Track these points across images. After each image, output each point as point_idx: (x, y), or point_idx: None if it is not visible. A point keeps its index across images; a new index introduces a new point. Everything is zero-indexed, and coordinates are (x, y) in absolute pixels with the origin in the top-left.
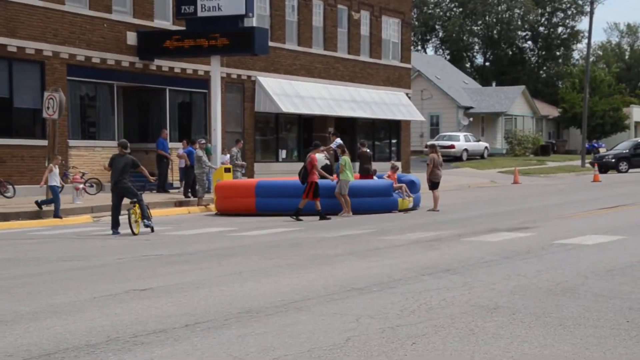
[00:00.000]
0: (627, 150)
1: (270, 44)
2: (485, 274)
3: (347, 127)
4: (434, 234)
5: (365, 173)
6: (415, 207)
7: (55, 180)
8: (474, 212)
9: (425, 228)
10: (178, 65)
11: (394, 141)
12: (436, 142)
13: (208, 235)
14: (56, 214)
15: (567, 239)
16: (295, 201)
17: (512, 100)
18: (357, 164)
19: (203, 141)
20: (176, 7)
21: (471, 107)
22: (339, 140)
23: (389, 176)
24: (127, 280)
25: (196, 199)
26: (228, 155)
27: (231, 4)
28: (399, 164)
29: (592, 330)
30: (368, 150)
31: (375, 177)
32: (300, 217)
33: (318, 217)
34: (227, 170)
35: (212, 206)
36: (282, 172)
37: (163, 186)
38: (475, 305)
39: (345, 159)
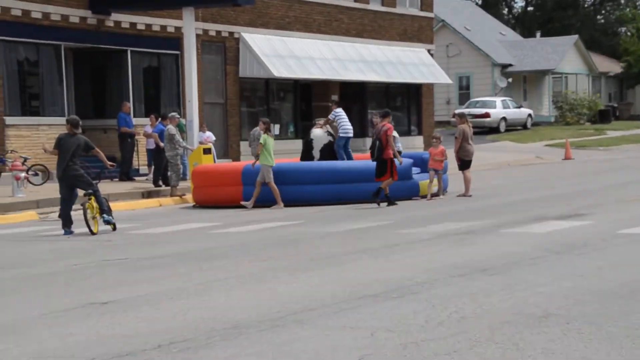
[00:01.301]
0: None
1: None
2: (531, 273)
3: (355, 94)
4: (465, 224)
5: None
6: (441, 192)
7: None
8: (516, 196)
9: (455, 218)
10: (142, 21)
11: (413, 110)
12: (466, 110)
13: (185, 233)
14: None
15: (634, 227)
16: (294, 189)
17: (562, 55)
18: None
19: (176, 116)
20: None
21: (510, 65)
22: (338, 111)
23: (432, 153)
24: (84, 292)
25: (169, 188)
26: (208, 133)
27: None
28: (439, 133)
29: None
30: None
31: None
32: (394, 201)
33: (386, 203)
34: (206, 151)
35: (189, 197)
36: (275, 152)
37: (127, 173)
38: (519, 314)
39: (266, 137)
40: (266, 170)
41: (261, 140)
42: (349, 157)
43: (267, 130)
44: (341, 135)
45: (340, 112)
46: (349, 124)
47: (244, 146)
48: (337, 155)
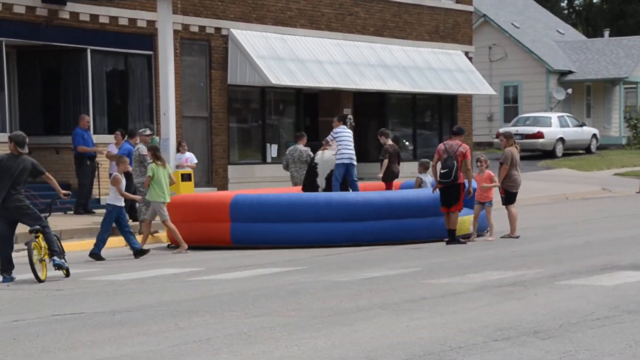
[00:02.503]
0: None
1: None
2: (596, 338)
3: (373, 107)
4: (512, 274)
5: (390, 178)
6: (492, 232)
7: None
8: (575, 238)
9: (499, 265)
10: (105, 12)
11: (446, 128)
12: (513, 129)
13: (157, 281)
14: None
15: None
16: (292, 227)
17: (638, 60)
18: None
19: (148, 132)
20: None
21: (570, 72)
22: (338, 131)
23: (477, 181)
24: (28, 356)
25: (137, 223)
26: (188, 154)
27: None
28: (484, 155)
29: None
30: (392, 144)
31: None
32: (463, 239)
33: (445, 240)
34: (185, 177)
35: (163, 234)
36: (271, 179)
37: (85, 204)
38: None
39: (154, 167)
40: (158, 208)
41: (149, 172)
42: (354, 189)
43: (156, 158)
44: (337, 162)
45: (341, 131)
46: (350, 147)
47: (233, 171)
48: (332, 187)
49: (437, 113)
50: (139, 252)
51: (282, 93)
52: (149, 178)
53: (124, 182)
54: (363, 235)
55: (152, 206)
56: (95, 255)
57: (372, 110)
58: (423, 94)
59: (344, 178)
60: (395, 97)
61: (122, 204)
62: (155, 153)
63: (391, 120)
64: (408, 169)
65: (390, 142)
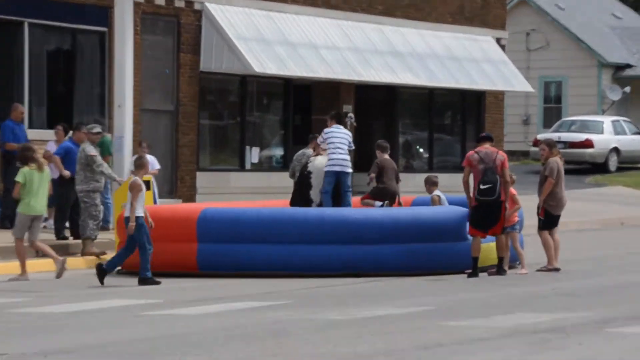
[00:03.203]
0: None
1: None
2: None
3: (380, 103)
4: (550, 317)
5: (381, 198)
6: (524, 262)
7: None
8: (632, 275)
9: (534, 305)
10: None
11: (470, 132)
12: (556, 136)
13: (103, 315)
14: None
15: None
16: (277, 250)
17: None
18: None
19: (97, 129)
20: None
21: (628, 66)
22: (329, 131)
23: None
24: None
25: (80, 241)
26: (149, 158)
27: None
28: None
29: None
30: (388, 159)
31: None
32: (504, 270)
33: (467, 272)
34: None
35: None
36: (251, 191)
37: (12, 215)
38: None
39: (26, 172)
40: (22, 221)
41: (18, 178)
42: (345, 202)
43: (29, 160)
44: (326, 169)
45: (333, 131)
46: (343, 151)
47: (203, 179)
48: (323, 202)
49: (460, 113)
50: (144, 280)
51: (267, 84)
52: (19, 185)
53: (144, 189)
54: (364, 262)
55: (19, 220)
56: (147, 280)
57: (378, 108)
58: (442, 89)
59: (336, 190)
60: (408, 92)
61: (142, 213)
62: (26, 153)
63: (402, 121)
64: (421, 181)
65: (386, 156)
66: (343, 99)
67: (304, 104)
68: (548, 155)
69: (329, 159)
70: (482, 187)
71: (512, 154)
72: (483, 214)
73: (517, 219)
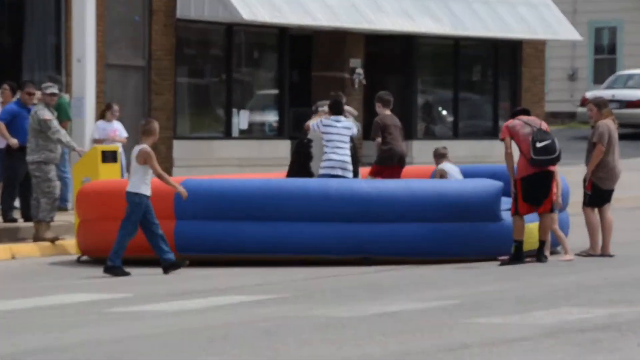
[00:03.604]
0: None
1: None
2: None
3: (394, 56)
4: (601, 312)
5: (389, 162)
6: (567, 248)
7: None
8: None
9: (581, 298)
10: None
11: (503, 90)
12: (609, 93)
13: (61, 312)
14: None
15: None
16: (273, 229)
17: None
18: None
19: (53, 89)
20: None
21: None
22: (331, 123)
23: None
24: None
25: (32, 224)
26: (115, 124)
27: None
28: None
29: None
30: (390, 115)
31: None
32: (545, 256)
33: (502, 258)
34: (108, 156)
35: (71, 242)
36: (238, 162)
37: None
38: None
39: None
40: None
41: None
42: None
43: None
44: (321, 171)
45: (332, 125)
46: (343, 151)
47: (181, 149)
48: None
49: (491, 68)
50: (171, 266)
51: (258, 34)
52: None
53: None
54: (375, 245)
55: None
56: (114, 269)
57: (392, 63)
58: (470, 38)
59: None
60: (428, 43)
61: (150, 192)
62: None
63: (421, 79)
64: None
65: (388, 112)
66: (350, 52)
67: (302, 59)
68: (597, 117)
69: (326, 159)
70: (538, 145)
71: (555, 117)
72: (538, 184)
73: (556, 197)
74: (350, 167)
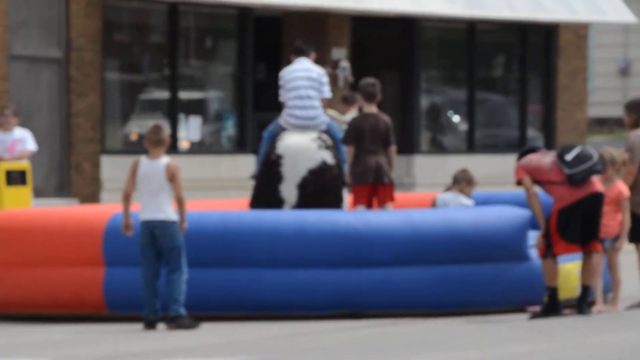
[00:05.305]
0: None
1: None
2: None
3: (390, 44)
4: None
5: (361, 180)
6: (617, 297)
7: None
8: None
9: None
10: None
11: (534, 89)
12: None
13: None
14: None
15: None
16: (239, 277)
17: None
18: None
19: None
20: None
21: None
22: (292, 69)
23: None
24: None
25: None
26: (19, 132)
27: None
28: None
29: None
30: (371, 113)
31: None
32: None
33: (534, 310)
34: (14, 177)
35: None
36: (187, 184)
37: None
38: None
39: None
40: None
41: None
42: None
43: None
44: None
45: (293, 72)
46: (308, 105)
47: (111, 167)
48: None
49: (518, 60)
50: (176, 320)
51: (211, 16)
52: None
53: None
54: (368, 295)
55: None
56: (182, 321)
57: (388, 54)
58: (489, 21)
59: None
60: (435, 27)
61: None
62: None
63: (426, 73)
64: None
65: (373, 108)
66: (332, 38)
67: (271, 48)
68: (631, 124)
69: (288, 115)
70: (568, 157)
71: (601, 124)
72: (585, 213)
73: (620, 228)
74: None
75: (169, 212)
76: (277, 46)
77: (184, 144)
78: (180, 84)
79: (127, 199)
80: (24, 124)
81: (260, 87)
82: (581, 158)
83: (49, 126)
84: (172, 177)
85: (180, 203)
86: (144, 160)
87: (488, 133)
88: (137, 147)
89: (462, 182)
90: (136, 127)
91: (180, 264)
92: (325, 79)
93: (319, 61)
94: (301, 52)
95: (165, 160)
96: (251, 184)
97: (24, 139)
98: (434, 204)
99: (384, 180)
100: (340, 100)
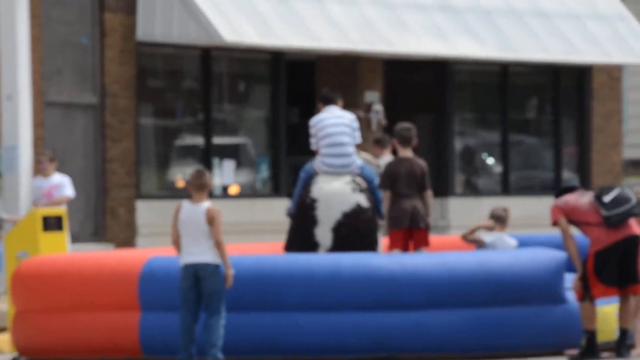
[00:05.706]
0: None
1: None
2: None
3: (423, 87)
4: None
5: (398, 224)
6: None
7: None
8: None
9: None
10: None
11: (568, 131)
12: None
13: None
14: None
15: None
16: (273, 320)
17: None
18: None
19: None
20: None
21: None
22: (322, 118)
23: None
24: None
25: None
26: (57, 178)
27: None
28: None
29: None
30: (406, 157)
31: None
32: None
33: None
34: (51, 223)
35: (4, 338)
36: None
37: None
38: None
39: None
40: None
41: None
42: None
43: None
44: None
45: (325, 119)
46: (347, 149)
47: (146, 211)
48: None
49: (552, 102)
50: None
51: (244, 60)
52: None
53: None
54: (403, 338)
55: None
56: None
57: (421, 96)
58: (522, 63)
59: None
60: (468, 70)
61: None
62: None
63: (459, 116)
64: (487, 206)
65: (408, 153)
66: (365, 82)
67: (304, 92)
68: None
69: (322, 163)
70: (606, 199)
71: (637, 166)
72: (622, 256)
73: None
74: (355, 166)
75: (212, 256)
76: (310, 90)
77: (233, 189)
78: (214, 129)
79: (176, 244)
80: (59, 170)
81: (294, 131)
82: (619, 200)
83: (84, 172)
84: (211, 220)
85: (219, 246)
86: (186, 204)
87: (523, 175)
88: (173, 193)
89: (506, 220)
90: (176, 173)
91: (220, 308)
92: (357, 124)
93: (352, 105)
94: (329, 100)
95: (206, 204)
96: (285, 227)
97: (62, 185)
98: (477, 244)
99: (420, 224)
100: (372, 143)
